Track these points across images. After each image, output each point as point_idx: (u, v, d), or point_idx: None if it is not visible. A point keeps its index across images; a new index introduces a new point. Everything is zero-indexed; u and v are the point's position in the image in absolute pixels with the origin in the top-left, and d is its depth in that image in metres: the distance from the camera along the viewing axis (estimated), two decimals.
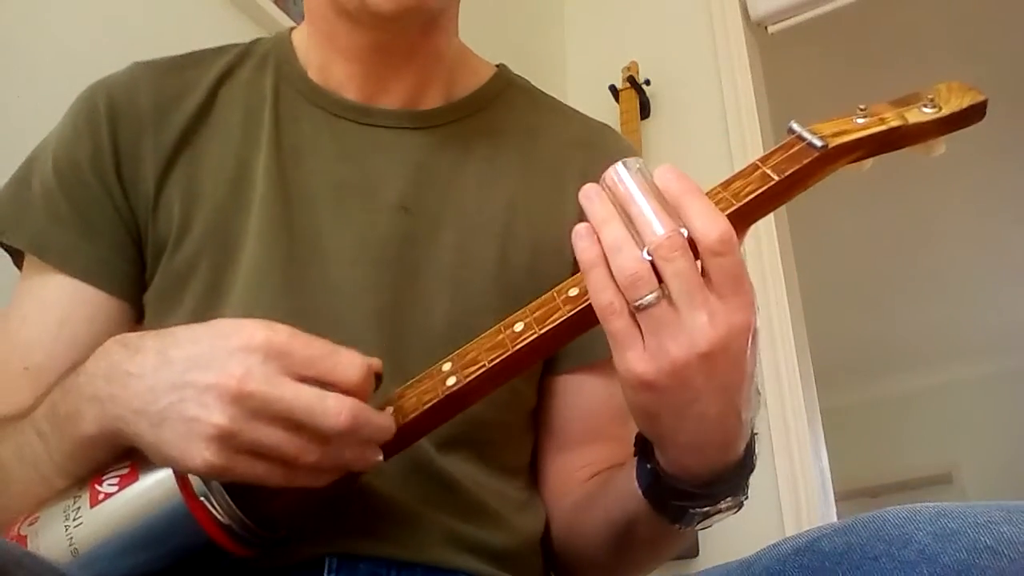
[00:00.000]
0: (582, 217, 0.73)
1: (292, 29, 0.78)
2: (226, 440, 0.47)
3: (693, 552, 1.65)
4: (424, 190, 0.70)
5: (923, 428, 4.46)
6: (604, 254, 0.48)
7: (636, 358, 0.48)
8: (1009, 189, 3.38)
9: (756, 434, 0.55)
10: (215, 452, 0.47)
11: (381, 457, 0.51)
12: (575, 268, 0.70)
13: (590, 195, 0.51)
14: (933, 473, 4.31)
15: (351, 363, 0.49)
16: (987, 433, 4.28)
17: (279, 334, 0.49)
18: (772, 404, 1.72)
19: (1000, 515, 0.42)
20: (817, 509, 1.61)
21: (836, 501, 1.76)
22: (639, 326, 0.47)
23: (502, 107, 0.77)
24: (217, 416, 0.47)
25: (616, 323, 0.48)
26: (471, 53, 0.80)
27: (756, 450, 0.55)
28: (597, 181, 0.73)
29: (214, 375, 0.47)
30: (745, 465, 0.54)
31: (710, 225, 0.47)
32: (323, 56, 0.73)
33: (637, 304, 0.47)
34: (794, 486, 1.64)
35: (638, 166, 0.50)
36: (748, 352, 0.48)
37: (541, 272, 0.68)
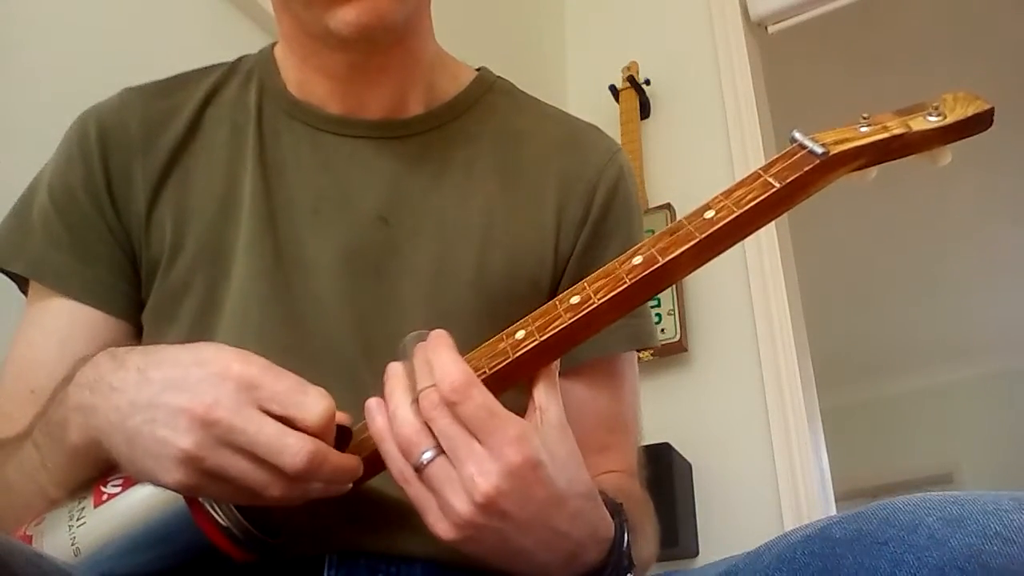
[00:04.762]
0: (560, 220, 0.74)
1: (275, 44, 0.78)
2: (193, 463, 0.48)
3: (692, 552, 1.65)
4: (402, 199, 0.70)
5: (923, 428, 4.46)
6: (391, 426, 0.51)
7: (434, 520, 0.50)
8: (1009, 190, 3.38)
9: (625, 521, 0.55)
10: (184, 473, 0.48)
11: (349, 487, 0.52)
12: (554, 271, 0.72)
13: (388, 372, 0.53)
14: (933, 473, 4.31)
15: (314, 404, 0.49)
16: (987, 433, 4.29)
17: (253, 367, 0.49)
18: (772, 404, 1.72)
19: (1010, 503, 0.42)
20: (817, 509, 1.61)
21: (836, 501, 1.75)
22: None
23: (482, 112, 0.77)
24: (184, 440, 0.48)
25: (410, 489, 0.50)
26: (450, 58, 0.80)
27: (625, 541, 0.54)
28: (576, 183, 0.74)
29: (186, 399, 0.48)
30: (608, 563, 0.53)
31: (441, 378, 0.49)
32: (302, 74, 0.73)
33: (416, 466, 0.49)
34: (794, 486, 1.63)
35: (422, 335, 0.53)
36: (540, 483, 0.49)
37: (519, 276, 0.69)
